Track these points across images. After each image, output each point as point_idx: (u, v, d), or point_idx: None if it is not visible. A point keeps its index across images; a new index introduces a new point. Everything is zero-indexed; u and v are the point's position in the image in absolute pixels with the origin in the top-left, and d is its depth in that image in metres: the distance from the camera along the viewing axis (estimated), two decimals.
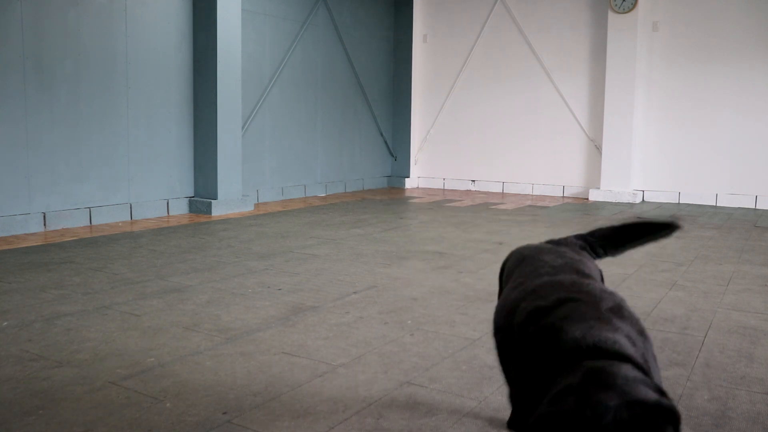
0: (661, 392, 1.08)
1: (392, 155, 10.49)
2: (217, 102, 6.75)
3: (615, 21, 8.43)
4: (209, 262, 4.38)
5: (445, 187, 10.19)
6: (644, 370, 1.15)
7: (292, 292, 3.63)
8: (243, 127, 7.51)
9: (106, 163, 6.11)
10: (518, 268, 1.74)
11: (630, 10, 8.29)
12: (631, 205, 8.24)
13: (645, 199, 8.73)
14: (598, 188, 8.82)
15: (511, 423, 1.91)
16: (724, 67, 8.14)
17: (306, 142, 8.71)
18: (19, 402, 2.15)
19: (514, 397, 1.56)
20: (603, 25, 8.71)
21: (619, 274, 4.18)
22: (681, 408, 2.18)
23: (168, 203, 6.71)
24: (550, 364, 1.21)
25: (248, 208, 7.16)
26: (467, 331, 2.97)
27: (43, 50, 5.52)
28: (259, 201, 7.90)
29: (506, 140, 9.66)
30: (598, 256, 1.95)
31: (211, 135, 6.82)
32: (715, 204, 8.27)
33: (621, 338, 1.20)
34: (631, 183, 8.58)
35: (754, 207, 8.03)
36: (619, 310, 1.33)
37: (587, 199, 8.87)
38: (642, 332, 1.28)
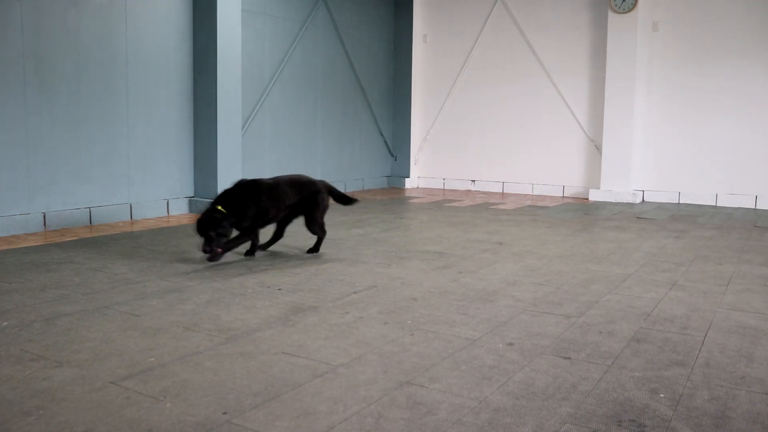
0: None
1: (392, 155, 10.49)
2: (217, 102, 6.75)
3: (615, 21, 8.43)
4: (209, 262, 4.38)
5: (445, 187, 10.19)
6: None
7: (292, 292, 3.63)
8: (243, 127, 7.51)
9: (106, 163, 6.11)
10: None
11: (630, 10, 8.29)
12: (631, 205, 8.24)
13: (645, 199, 8.73)
14: (598, 188, 8.82)
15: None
16: (724, 67, 8.14)
17: (306, 142, 8.71)
18: (19, 402, 2.15)
19: None
20: (603, 25, 8.72)
21: (620, 274, 4.18)
22: (681, 408, 2.18)
23: (168, 203, 6.71)
24: None
25: None
26: (467, 331, 2.97)
27: (43, 50, 5.52)
28: None
29: (506, 140, 9.67)
30: None
31: (211, 135, 6.82)
32: (715, 204, 8.28)
33: None
34: (631, 183, 8.58)
35: (754, 207, 8.03)
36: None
37: (587, 199, 8.87)
38: None
